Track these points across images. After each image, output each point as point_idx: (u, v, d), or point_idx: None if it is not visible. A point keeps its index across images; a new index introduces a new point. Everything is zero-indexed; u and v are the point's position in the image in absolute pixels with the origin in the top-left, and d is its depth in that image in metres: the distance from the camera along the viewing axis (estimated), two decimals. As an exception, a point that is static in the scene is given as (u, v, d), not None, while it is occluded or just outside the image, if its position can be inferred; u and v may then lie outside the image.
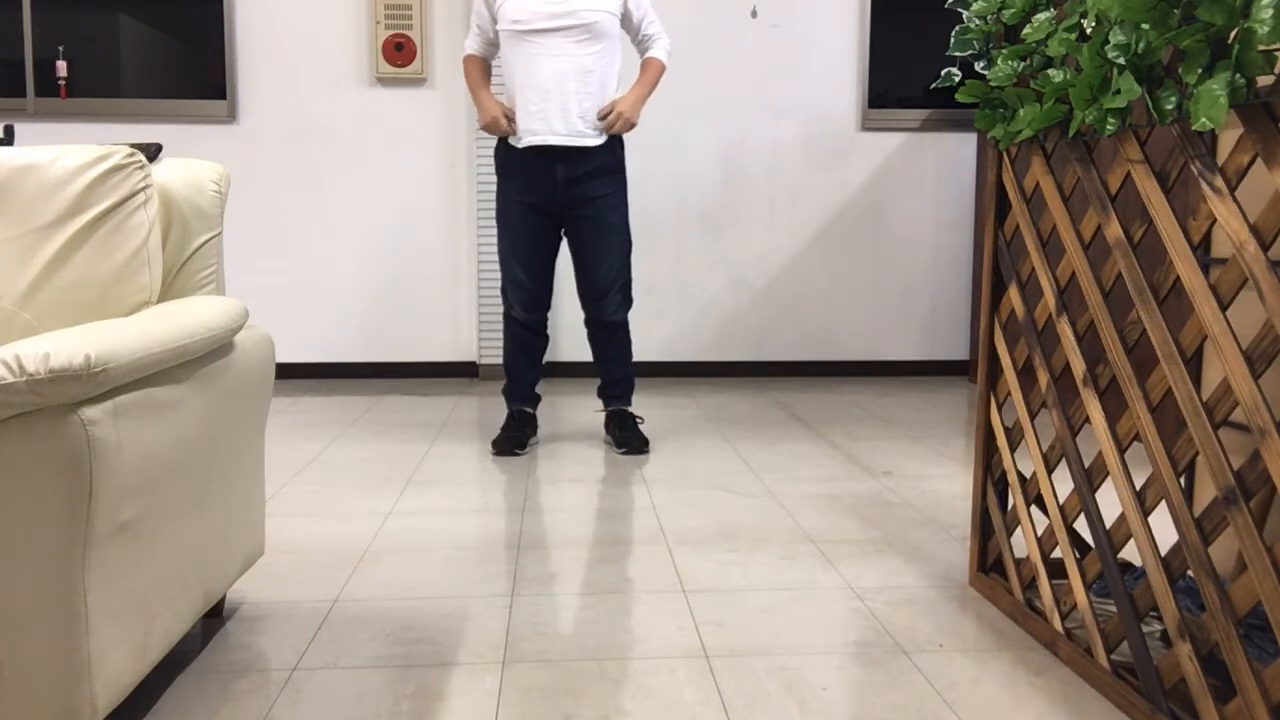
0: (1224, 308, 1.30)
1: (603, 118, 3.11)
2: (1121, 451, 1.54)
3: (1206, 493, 1.85)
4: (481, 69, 3.30)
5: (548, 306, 3.29)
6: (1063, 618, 1.72)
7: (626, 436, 3.26)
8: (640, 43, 3.29)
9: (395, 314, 4.70)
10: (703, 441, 3.41)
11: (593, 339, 3.32)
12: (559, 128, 3.08)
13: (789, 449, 3.31)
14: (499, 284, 3.33)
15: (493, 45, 3.26)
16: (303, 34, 4.54)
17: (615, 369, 3.33)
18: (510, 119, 3.12)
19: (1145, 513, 1.48)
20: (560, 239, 3.26)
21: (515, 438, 3.24)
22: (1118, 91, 1.44)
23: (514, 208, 3.19)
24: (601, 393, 3.38)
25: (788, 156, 4.77)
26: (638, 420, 3.34)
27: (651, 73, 3.23)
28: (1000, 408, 1.97)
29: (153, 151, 1.73)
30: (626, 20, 3.23)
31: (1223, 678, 1.45)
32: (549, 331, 3.38)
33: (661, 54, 3.26)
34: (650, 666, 1.68)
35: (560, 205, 3.16)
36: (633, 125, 3.14)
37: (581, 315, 3.31)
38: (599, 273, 3.20)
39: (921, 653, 1.74)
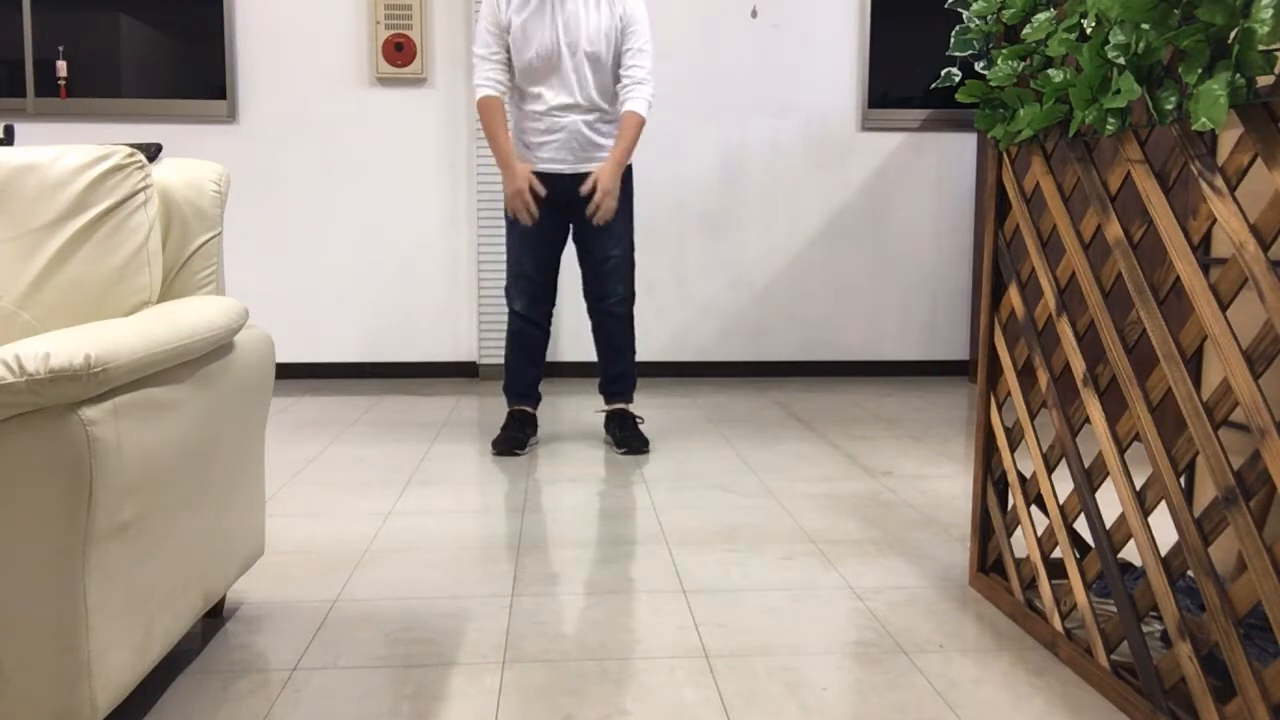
0: (1224, 308, 1.30)
1: (586, 198, 3.10)
2: (1121, 451, 1.54)
3: (1206, 493, 1.85)
4: (503, 118, 3.11)
5: (551, 304, 3.29)
6: (1063, 618, 1.72)
7: (626, 436, 3.26)
8: (623, 74, 3.13)
9: (395, 314, 4.70)
10: (703, 441, 3.41)
11: (596, 331, 3.32)
12: (566, 157, 3.13)
13: (789, 449, 3.31)
14: (499, 284, 3.33)
15: (507, 66, 3.13)
16: (303, 34, 4.54)
17: (617, 364, 3.32)
18: (535, 193, 3.08)
19: (1145, 513, 1.48)
20: (566, 234, 3.27)
21: (515, 438, 3.24)
22: (1118, 91, 1.44)
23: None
24: (602, 388, 3.38)
25: (788, 157, 4.77)
26: (638, 420, 3.34)
27: (630, 130, 3.10)
28: (1000, 408, 1.97)
29: (153, 151, 1.73)
30: (621, 37, 3.12)
31: (1223, 678, 1.45)
32: (551, 330, 3.37)
33: (642, 107, 3.11)
34: (650, 666, 1.68)
35: (566, 190, 3.15)
36: (615, 197, 3.10)
37: (583, 316, 3.31)
38: (601, 257, 3.20)
39: (921, 653, 1.74)
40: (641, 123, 3.12)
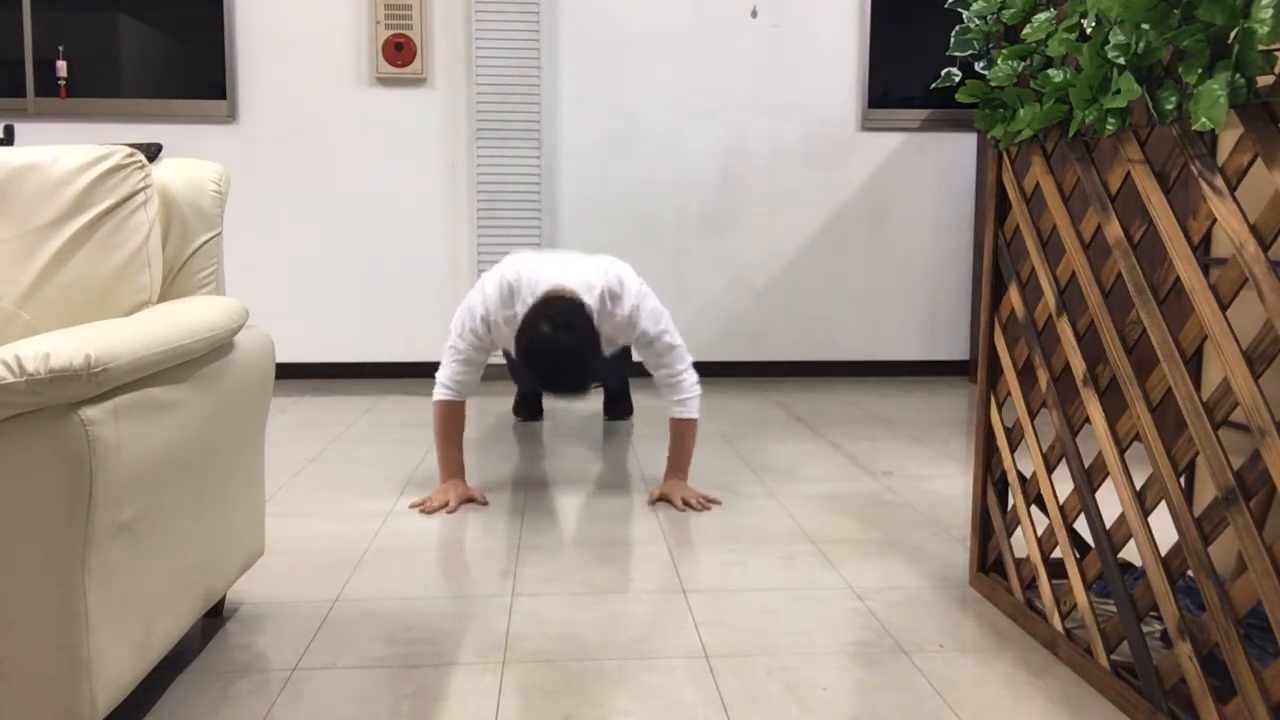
0: (1224, 308, 1.30)
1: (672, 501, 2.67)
2: (1121, 451, 1.54)
3: (1206, 493, 1.85)
4: (459, 428, 2.70)
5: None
6: (1063, 618, 1.72)
7: (610, 404, 3.74)
8: (655, 372, 2.70)
9: (395, 314, 4.70)
10: (703, 441, 3.40)
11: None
12: None
13: (789, 449, 3.31)
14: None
15: (479, 371, 2.69)
16: (303, 34, 4.54)
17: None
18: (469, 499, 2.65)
19: (1145, 513, 1.48)
20: None
21: (536, 407, 3.72)
22: (1118, 91, 1.44)
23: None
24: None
25: (788, 157, 4.77)
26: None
27: (689, 439, 2.72)
28: (1000, 408, 1.97)
29: (153, 151, 1.73)
30: (641, 342, 2.67)
31: (1223, 678, 1.45)
32: None
33: (694, 412, 2.70)
34: (650, 666, 1.68)
35: None
36: (701, 494, 2.67)
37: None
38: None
39: (921, 653, 1.74)
40: (696, 425, 2.73)
